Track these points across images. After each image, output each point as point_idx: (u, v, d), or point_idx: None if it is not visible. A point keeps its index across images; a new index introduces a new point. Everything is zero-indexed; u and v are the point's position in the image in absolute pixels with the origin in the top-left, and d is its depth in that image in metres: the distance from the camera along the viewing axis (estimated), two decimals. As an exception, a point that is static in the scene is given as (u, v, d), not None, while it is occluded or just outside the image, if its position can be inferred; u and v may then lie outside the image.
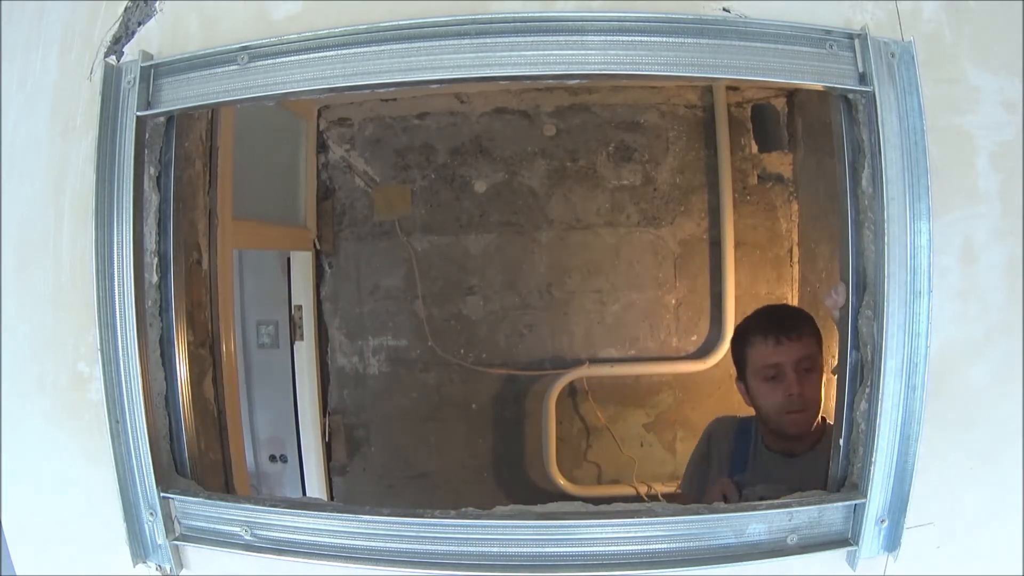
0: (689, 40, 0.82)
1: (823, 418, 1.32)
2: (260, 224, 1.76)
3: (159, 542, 0.90)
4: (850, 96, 0.86)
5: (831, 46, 0.84)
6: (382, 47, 0.84)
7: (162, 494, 0.89)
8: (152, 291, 0.93)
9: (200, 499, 0.90)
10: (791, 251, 2.15)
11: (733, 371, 1.37)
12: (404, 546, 0.85)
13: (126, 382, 0.88)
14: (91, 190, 0.89)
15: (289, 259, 2.12)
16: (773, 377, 1.26)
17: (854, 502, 0.84)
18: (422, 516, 0.86)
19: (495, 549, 0.84)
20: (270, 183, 1.90)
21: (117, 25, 0.95)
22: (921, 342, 0.82)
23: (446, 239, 2.20)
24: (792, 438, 1.29)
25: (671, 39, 0.82)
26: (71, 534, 0.97)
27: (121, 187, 0.88)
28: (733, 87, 2.07)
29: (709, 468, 1.40)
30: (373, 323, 2.22)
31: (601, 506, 0.90)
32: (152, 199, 0.93)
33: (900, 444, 0.83)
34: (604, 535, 0.84)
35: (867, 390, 0.86)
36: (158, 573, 0.92)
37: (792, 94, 2.09)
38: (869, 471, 0.83)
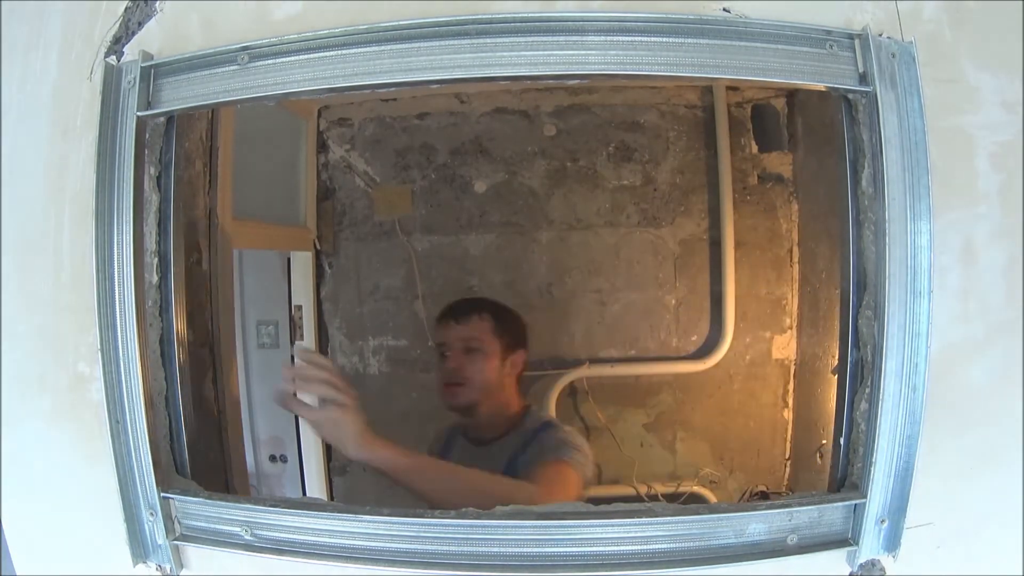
0: (689, 40, 0.82)
1: (528, 412, 1.46)
2: (260, 224, 1.76)
3: (159, 542, 0.90)
4: (850, 96, 0.86)
5: (831, 46, 0.84)
6: (382, 47, 0.84)
7: (162, 494, 0.89)
8: (152, 291, 0.93)
9: (200, 499, 0.90)
10: (791, 251, 2.14)
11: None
12: (404, 546, 0.85)
13: (126, 382, 0.88)
14: (91, 190, 0.89)
15: (289, 259, 2.12)
16: (442, 355, 1.45)
17: (854, 502, 0.84)
18: (422, 516, 0.86)
19: (495, 549, 0.84)
20: (270, 183, 1.90)
21: (117, 25, 0.95)
22: (921, 342, 0.82)
23: (446, 239, 2.20)
24: (471, 418, 1.44)
25: (671, 39, 0.82)
26: (71, 534, 0.97)
27: (121, 187, 0.88)
28: (733, 87, 2.07)
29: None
30: (373, 323, 2.22)
31: (601, 506, 0.90)
32: (152, 199, 0.93)
33: (900, 444, 0.83)
34: (604, 535, 0.84)
35: (867, 390, 0.86)
36: (158, 573, 0.92)
37: (792, 94, 2.09)
38: (869, 471, 0.83)
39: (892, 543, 0.85)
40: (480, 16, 0.83)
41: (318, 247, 2.16)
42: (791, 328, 2.15)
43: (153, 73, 0.90)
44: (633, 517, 0.85)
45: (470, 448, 1.45)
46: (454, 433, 1.52)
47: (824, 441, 1.82)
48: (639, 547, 0.84)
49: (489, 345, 1.43)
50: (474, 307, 1.49)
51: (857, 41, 0.84)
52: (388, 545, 0.86)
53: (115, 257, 0.88)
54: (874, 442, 0.82)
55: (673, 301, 2.18)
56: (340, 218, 2.20)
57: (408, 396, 2.23)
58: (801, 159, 2.10)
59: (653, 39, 0.82)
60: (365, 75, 0.85)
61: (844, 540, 0.85)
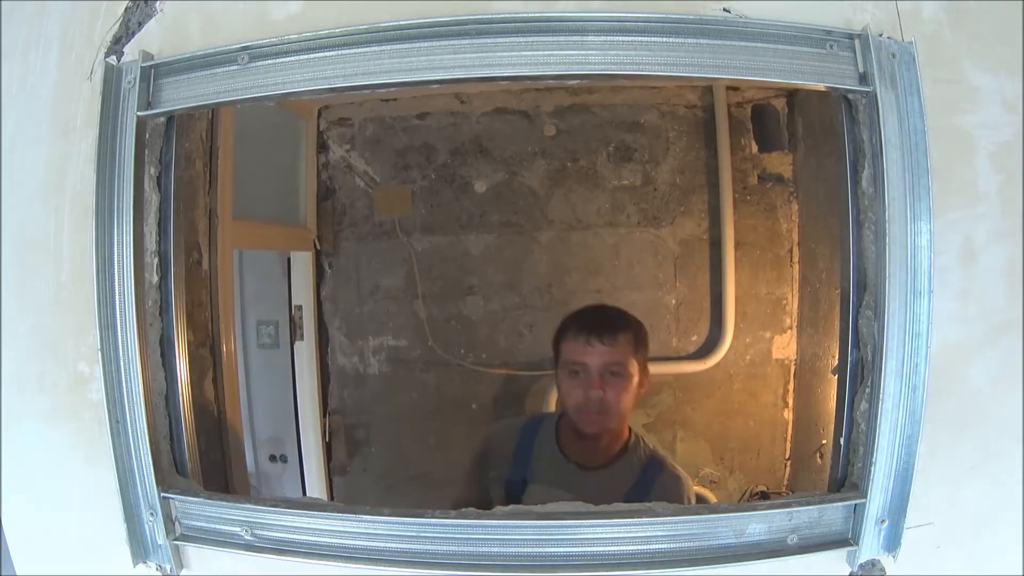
0: (689, 40, 0.82)
1: (636, 438, 1.35)
2: (260, 224, 1.76)
3: (159, 542, 0.90)
4: (850, 96, 0.86)
5: (831, 46, 0.84)
6: (382, 47, 0.84)
7: (162, 494, 0.89)
8: (152, 291, 0.93)
9: (200, 499, 0.90)
10: (791, 251, 2.14)
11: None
12: (404, 546, 0.85)
13: (126, 382, 0.88)
14: (91, 190, 0.89)
15: (289, 259, 2.12)
16: (578, 374, 1.28)
17: (854, 502, 0.84)
18: (422, 516, 0.86)
19: (495, 549, 0.84)
20: (270, 183, 1.90)
21: (117, 25, 0.95)
22: (922, 342, 0.82)
23: (446, 239, 2.20)
24: (589, 441, 1.32)
25: (671, 39, 0.82)
26: (71, 534, 0.97)
27: (121, 187, 0.88)
28: (733, 87, 2.07)
29: (487, 469, 1.41)
30: (373, 323, 2.22)
31: (601, 506, 0.90)
32: (152, 199, 0.93)
33: (900, 444, 0.83)
34: (604, 535, 0.84)
35: (867, 390, 0.86)
36: (158, 573, 0.92)
37: (792, 94, 2.09)
38: (869, 471, 0.83)
39: (892, 543, 0.85)
40: (480, 16, 0.83)
41: (318, 247, 2.16)
42: (791, 328, 2.15)
43: (153, 73, 0.90)
44: (633, 517, 0.85)
45: (576, 472, 1.32)
46: (542, 444, 1.36)
47: (824, 441, 1.82)
48: (639, 547, 0.84)
49: (631, 369, 1.30)
50: (619, 325, 1.32)
51: (857, 41, 0.84)
52: (388, 545, 0.86)
53: (115, 257, 0.88)
54: (874, 442, 0.82)
55: (673, 301, 2.18)
56: (340, 218, 2.20)
57: (408, 396, 2.23)
58: (801, 159, 2.10)
59: (653, 39, 0.82)
60: (365, 75, 0.85)
61: (844, 540, 0.85)
